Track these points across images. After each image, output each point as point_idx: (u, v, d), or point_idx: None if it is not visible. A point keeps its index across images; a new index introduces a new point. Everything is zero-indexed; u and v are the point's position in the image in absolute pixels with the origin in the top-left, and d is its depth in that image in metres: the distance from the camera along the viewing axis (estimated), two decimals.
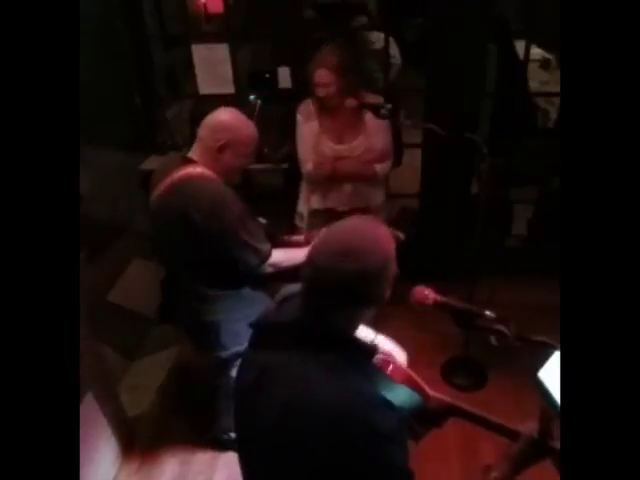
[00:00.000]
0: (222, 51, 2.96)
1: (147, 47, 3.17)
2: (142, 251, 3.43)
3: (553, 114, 3.33)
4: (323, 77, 2.32)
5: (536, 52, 3.51)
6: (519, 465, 1.20)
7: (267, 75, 2.96)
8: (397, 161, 2.68)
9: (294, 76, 2.94)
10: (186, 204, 1.80)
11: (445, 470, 2.25)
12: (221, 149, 1.85)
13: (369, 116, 2.41)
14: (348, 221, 1.16)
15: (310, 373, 1.05)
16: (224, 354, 2.01)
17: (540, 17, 2.92)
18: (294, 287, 1.18)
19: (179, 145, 3.18)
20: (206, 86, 3.04)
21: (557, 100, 3.20)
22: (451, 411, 1.37)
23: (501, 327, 1.30)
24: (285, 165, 3.04)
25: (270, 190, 3.30)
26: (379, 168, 2.51)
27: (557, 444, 1.15)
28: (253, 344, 1.22)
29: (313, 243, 1.16)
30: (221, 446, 2.38)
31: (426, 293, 1.39)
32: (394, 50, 3.77)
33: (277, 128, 2.59)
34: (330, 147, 2.49)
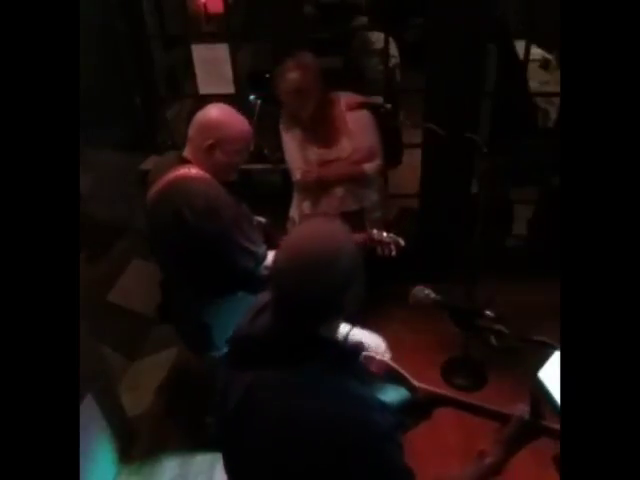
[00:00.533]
0: (222, 51, 2.95)
1: (147, 47, 3.17)
2: (142, 251, 3.41)
3: (553, 114, 3.34)
4: (286, 97, 2.33)
5: (536, 52, 3.52)
6: (512, 447, 1.21)
7: (267, 75, 2.96)
8: (397, 161, 2.67)
9: None
10: (180, 203, 1.77)
11: (445, 470, 2.24)
12: (210, 148, 1.81)
13: (351, 116, 2.40)
14: (304, 231, 1.15)
15: (300, 385, 1.04)
16: (217, 354, 1.99)
17: (540, 17, 2.92)
18: (266, 296, 1.14)
19: (179, 145, 3.17)
20: (206, 86, 3.03)
21: (557, 100, 3.21)
22: (438, 400, 1.36)
23: (501, 327, 1.30)
24: (285, 165, 3.04)
25: (269, 190, 3.30)
26: (368, 167, 2.46)
27: (548, 423, 1.16)
28: (232, 363, 1.17)
29: (273, 257, 1.13)
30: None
31: (426, 293, 1.39)
32: (393, 50, 3.76)
33: (277, 128, 2.59)
34: (315, 152, 2.47)
